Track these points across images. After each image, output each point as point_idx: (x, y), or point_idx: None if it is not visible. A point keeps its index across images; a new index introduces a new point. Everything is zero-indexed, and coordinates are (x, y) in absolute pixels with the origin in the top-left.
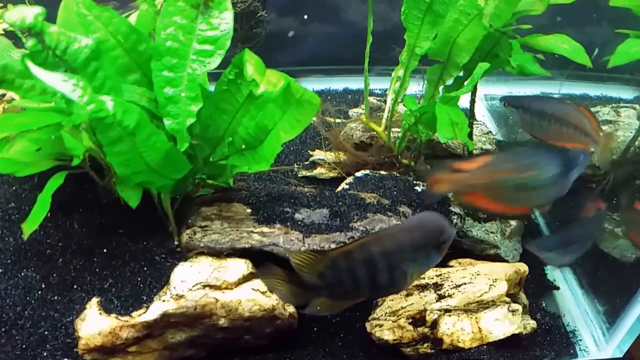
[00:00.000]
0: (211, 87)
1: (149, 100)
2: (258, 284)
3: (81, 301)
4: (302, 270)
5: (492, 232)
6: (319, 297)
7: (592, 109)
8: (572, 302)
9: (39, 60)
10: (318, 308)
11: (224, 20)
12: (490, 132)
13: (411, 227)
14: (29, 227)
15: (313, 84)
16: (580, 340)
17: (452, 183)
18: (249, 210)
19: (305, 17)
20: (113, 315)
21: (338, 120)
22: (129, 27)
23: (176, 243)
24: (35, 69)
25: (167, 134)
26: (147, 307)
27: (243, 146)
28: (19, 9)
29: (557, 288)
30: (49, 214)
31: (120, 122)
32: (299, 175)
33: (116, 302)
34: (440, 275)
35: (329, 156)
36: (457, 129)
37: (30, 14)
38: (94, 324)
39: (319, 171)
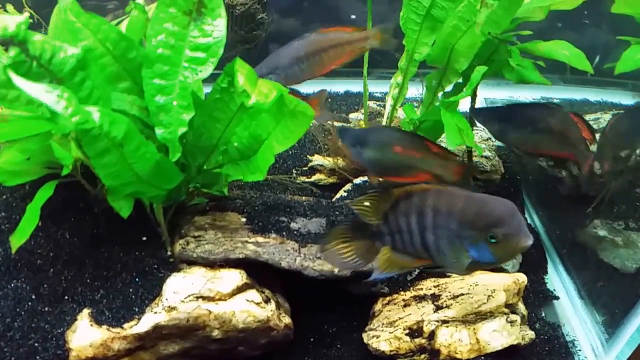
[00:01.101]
0: (207, 89)
1: (140, 109)
2: (252, 294)
3: (72, 312)
4: (367, 215)
5: None
6: (384, 244)
7: (593, 115)
8: (572, 312)
9: (22, 70)
10: (386, 268)
11: (217, 28)
12: (490, 138)
13: (472, 197)
14: (17, 240)
15: (314, 86)
16: (580, 350)
17: None
18: (243, 220)
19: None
20: (104, 326)
21: (338, 125)
22: (119, 34)
23: (169, 253)
24: (17, 80)
25: (159, 143)
26: (139, 319)
27: (238, 150)
28: (1, 17)
29: (557, 298)
30: (40, 223)
31: (107, 133)
32: (298, 181)
33: (108, 314)
34: (438, 285)
35: (328, 161)
36: (464, 135)
37: (12, 22)
38: (85, 335)
39: (317, 177)
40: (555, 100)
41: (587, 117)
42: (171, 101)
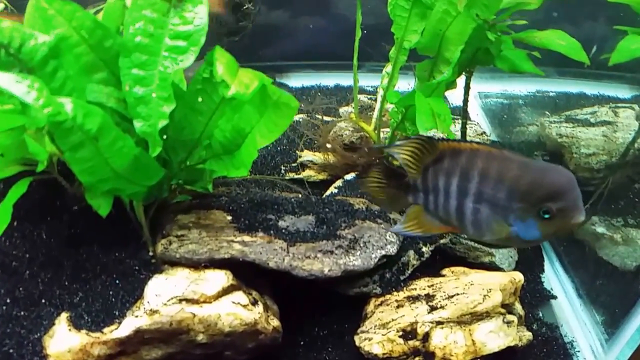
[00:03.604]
0: None
1: (117, 101)
2: (239, 296)
3: (49, 317)
4: (408, 164)
5: None
6: (416, 201)
7: (590, 109)
8: (570, 311)
9: None
10: (409, 225)
11: (198, 15)
12: (485, 132)
13: (529, 164)
14: None
15: (303, 80)
16: (579, 351)
17: None
18: (229, 218)
19: None
20: (83, 331)
21: (327, 119)
22: (94, 22)
23: (151, 254)
24: None
25: (138, 138)
26: (120, 323)
27: (221, 144)
28: None
29: (554, 297)
30: (15, 223)
31: (80, 126)
32: (287, 178)
33: (87, 318)
34: (433, 285)
35: (318, 157)
36: (439, 120)
37: None
38: (64, 340)
39: (307, 174)
40: (551, 94)
41: (584, 110)
42: (150, 93)
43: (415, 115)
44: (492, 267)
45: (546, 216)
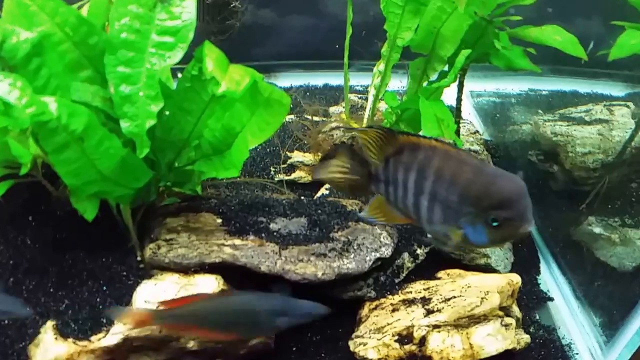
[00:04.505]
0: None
1: (103, 100)
2: None
3: (35, 325)
4: (370, 150)
5: None
6: (378, 190)
7: (584, 107)
8: (567, 314)
9: None
10: (372, 214)
11: (186, 9)
12: (477, 131)
13: (482, 170)
14: None
15: (291, 80)
16: (577, 354)
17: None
18: (219, 221)
19: None
20: (70, 339)
21: (317, 119)
22: (78, 18)
23: (139, 259)
24: None
25: (125, 138)
26: (108, 331)
27: (211, 144)
28: None
29: (551, 299)
30: None
31: (65, 126)
32: (276, 179)
33: (73, 326)
34: (428, 288)
35: (308, 158)
36: (443, 126)
37: None
38: (50, 349)
39: (297, 175)
40: (544, 92)
41: (579, 108)
42: (137, 91)
43: (411, 117)
44: (488, 269)
45: (494, 224)
